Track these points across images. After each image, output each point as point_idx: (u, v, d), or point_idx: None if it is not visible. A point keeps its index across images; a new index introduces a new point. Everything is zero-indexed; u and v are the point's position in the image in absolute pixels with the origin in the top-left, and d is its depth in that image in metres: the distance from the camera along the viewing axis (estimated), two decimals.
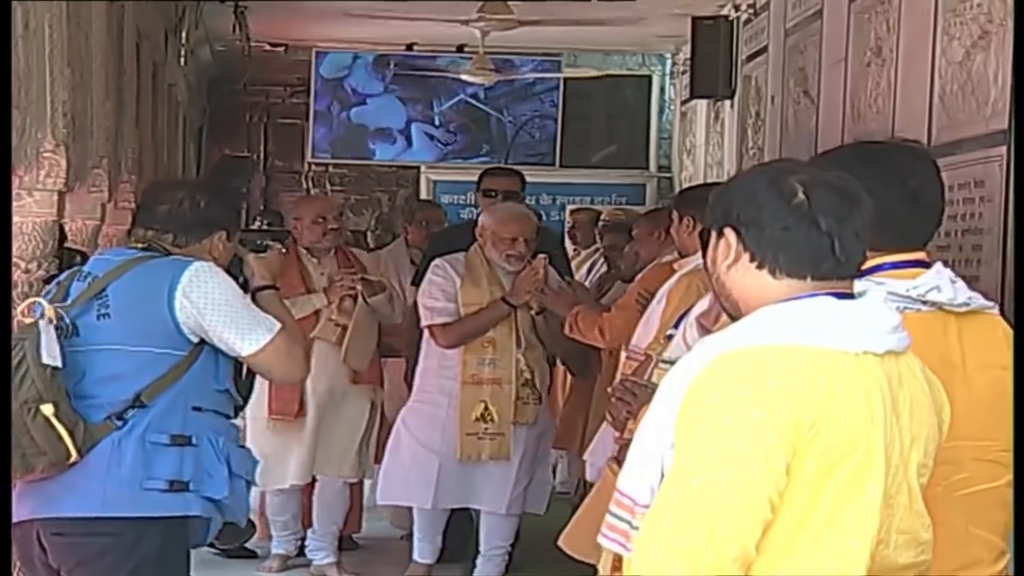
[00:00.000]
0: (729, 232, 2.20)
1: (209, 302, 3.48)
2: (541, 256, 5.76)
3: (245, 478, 3.62)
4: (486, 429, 5.77)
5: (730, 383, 2.06)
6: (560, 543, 4.11)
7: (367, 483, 6.61)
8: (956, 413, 2.26)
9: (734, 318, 2.24)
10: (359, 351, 6.13)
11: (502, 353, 5.77)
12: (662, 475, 2.11)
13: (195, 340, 3.52)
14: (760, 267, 2.18)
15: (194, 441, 3.49)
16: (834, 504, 2.06)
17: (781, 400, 2.04)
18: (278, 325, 3.61)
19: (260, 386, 5.43)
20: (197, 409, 3.52)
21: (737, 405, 2.04)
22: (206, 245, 3.69)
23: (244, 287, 3.76)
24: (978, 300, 2.54)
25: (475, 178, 6.84)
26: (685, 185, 10.19)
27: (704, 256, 2.29)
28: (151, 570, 3.50)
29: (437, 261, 5.92)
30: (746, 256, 2.19)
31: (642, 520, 2.10)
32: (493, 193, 6.49)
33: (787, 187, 2.16)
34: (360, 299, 6.05)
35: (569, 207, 10.15)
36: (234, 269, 3.78)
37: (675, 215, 4.81)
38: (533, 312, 5.77)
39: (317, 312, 6.08)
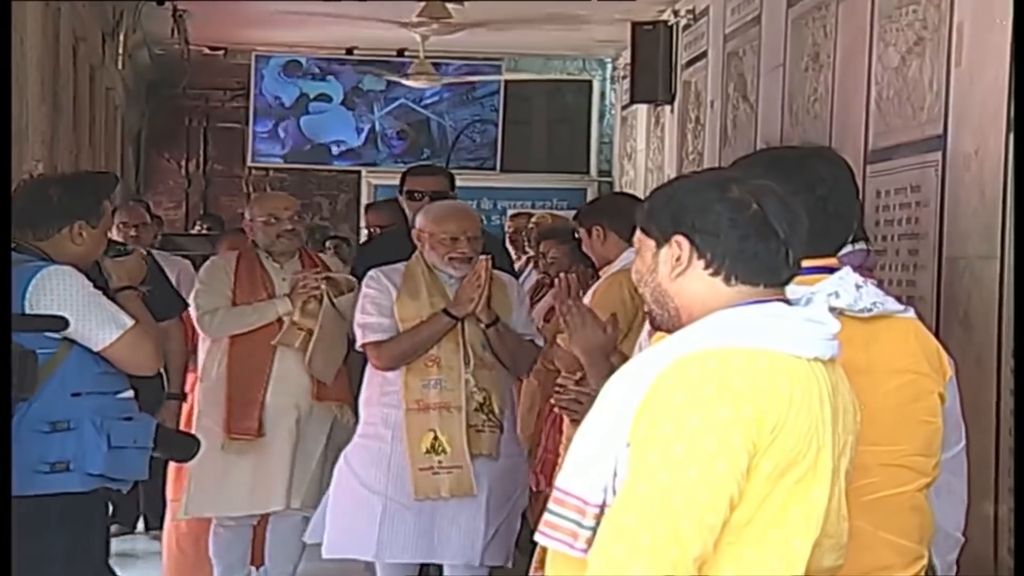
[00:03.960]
0: (680, 239, 2.20)
1: (58, 304, 3.78)
2: (483, 257, 4.89)
3: (132, 447, 3.93)
4: (440, 462, 4.85)
5: (695, 382, 2.06)
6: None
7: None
8: (862, 418, 2.28)
9: (658, 327, 2.25)
10: (324, 360, 5.41)
11: (448, 373, 4.87)
12: (614, 474, 2.11)
13: (59, 337, 3.81)
14: (715, 274, 2.18)
15: (72, 425, 3.83)
16: (782, 505, 2.08)
17: (747, 400, 2.05)
18: (130, 321, 3.89)
19: (216, 398, 5.34)
20: (76, 395, 3.84)
21: (703, 404, 2.04)
22: (66, 235, 3.93)
23: (107, 288, 4.03)
24: (886, 305, 2.54)
25: None
26: (626, 190, 10.23)
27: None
28: (60, 539, 3.87)
29: (371, 272, 5.08)
30: (699, 263, 2.19)
31: (593, 519, 2.10)
32: (418, 195, 5.76)
33: (740, 196, 2.17)
34: (326, 301, 5.39)
35: (510, 212, 10.15)
36: (93, 272, 4.00)
37: (582, 229, 4.90)
38: (482, 325, 4.89)
39: (281, 320, 5.42)
